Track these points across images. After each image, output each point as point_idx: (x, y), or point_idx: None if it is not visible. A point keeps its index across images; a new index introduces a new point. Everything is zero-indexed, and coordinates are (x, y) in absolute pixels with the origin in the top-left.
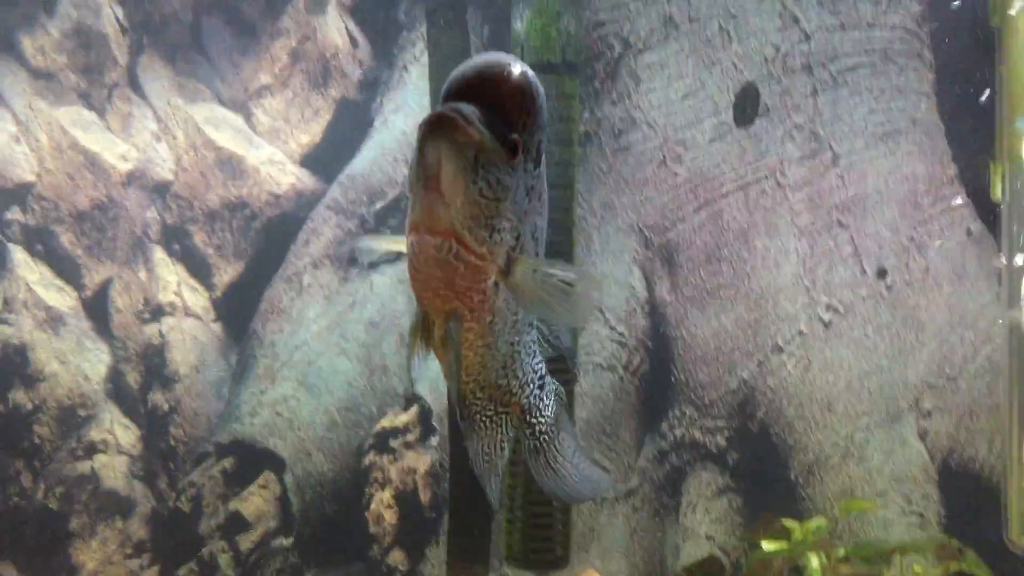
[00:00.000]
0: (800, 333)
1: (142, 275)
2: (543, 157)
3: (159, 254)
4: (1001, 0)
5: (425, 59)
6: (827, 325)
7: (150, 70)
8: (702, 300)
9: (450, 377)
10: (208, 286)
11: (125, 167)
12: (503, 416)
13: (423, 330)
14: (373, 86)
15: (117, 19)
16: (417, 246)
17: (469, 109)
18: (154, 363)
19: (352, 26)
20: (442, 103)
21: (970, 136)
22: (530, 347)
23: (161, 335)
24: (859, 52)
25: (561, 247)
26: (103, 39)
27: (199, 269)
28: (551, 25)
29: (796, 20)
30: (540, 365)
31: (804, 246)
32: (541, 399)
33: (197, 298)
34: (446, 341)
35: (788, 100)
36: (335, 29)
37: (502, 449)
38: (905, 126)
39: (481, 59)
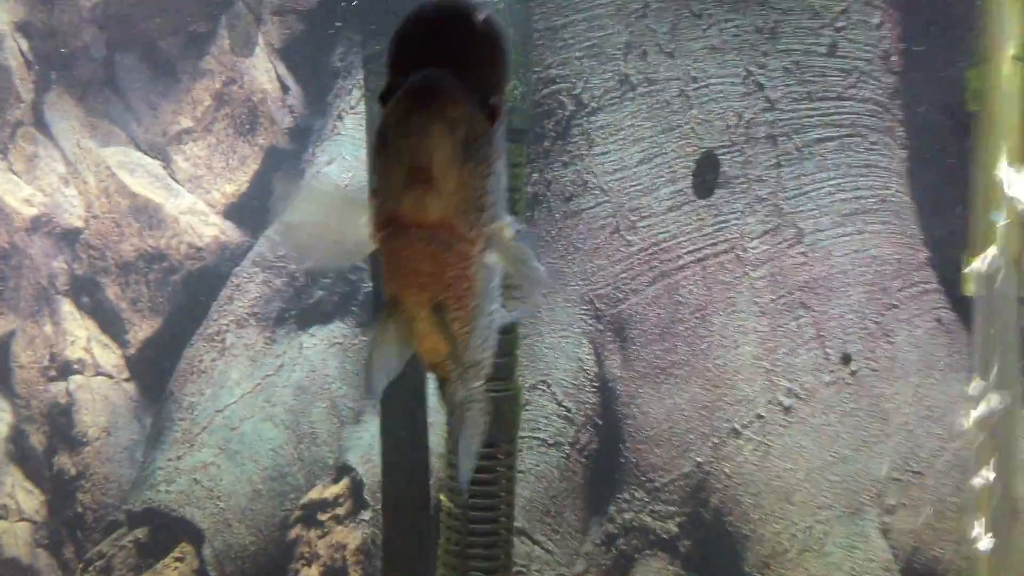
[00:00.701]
0: (759, 417)
1: (48, 329)
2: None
3: (67, 306)
4: (978, 85)
5: (362, 108)
6: (787, 410)
7: (58, 108)
8: (655, 377)
9: (445, 367)
10: (121, 343)
11: (29, 212)
12: (479, 393)
13: (392, 326)
14: (305, 135)
15: (21, 51)
16: (400, 240)
17: (449, 76)
18: (60, 424)
19: (283, 70)
20: (393, 63)
21: (942, 220)
22: (500, 312)
23: (68, 394)
24: (826, 124)
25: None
26: (5, 73)
27: (111, 324)
28: None
29: (760, 87)
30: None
31: (764, 326)
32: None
33: (109, 355)
34: (424, 333)
35: (750, 171)
36: (264, 72)
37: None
38: (874, 205)
39: (433, 5)
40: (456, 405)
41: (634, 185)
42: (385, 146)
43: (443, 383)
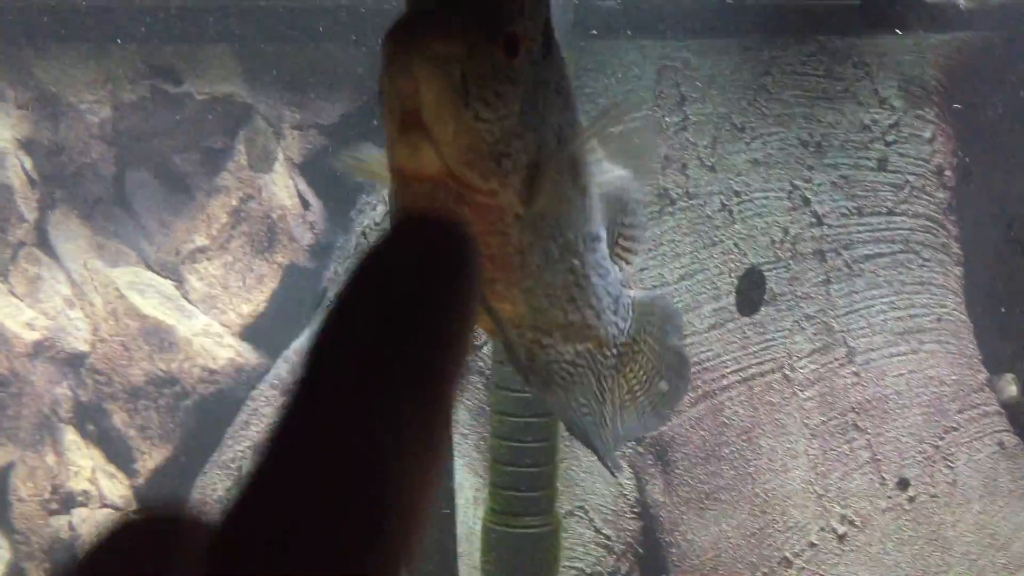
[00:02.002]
0: (811, 545)
1: (50, 459)
2: (554, 39)
3: (71, 435)
4: None
5: (386, 224)
6: (842, 538)
7: (63, 228)
8: (700, 503)
9: (499, 338)
10: (129, 472)
11: (31, 336)
12: (587, 356)
13: None
14: (326, 252)
15: (24, 169)
16: (405, 196)
17: (445, 7)
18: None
19: (303, 185)
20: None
21: (1002, 339)
22: (601, 264)
23: (71, 528)
24: (877, 240)
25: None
26: (7, 192)
27: (118, 453)
28: None
29: (807, 201)
30: (615, 282)
31: (815, 449)
32: (616, 323)
33: (115, 486)
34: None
35: (797, 288)
36: (283, 188)
37: (601, 395)
38: (929, 323)
39: None
40: (534, 373)
41: (676, 302)
42: (380, 92)
43: (508, 347)
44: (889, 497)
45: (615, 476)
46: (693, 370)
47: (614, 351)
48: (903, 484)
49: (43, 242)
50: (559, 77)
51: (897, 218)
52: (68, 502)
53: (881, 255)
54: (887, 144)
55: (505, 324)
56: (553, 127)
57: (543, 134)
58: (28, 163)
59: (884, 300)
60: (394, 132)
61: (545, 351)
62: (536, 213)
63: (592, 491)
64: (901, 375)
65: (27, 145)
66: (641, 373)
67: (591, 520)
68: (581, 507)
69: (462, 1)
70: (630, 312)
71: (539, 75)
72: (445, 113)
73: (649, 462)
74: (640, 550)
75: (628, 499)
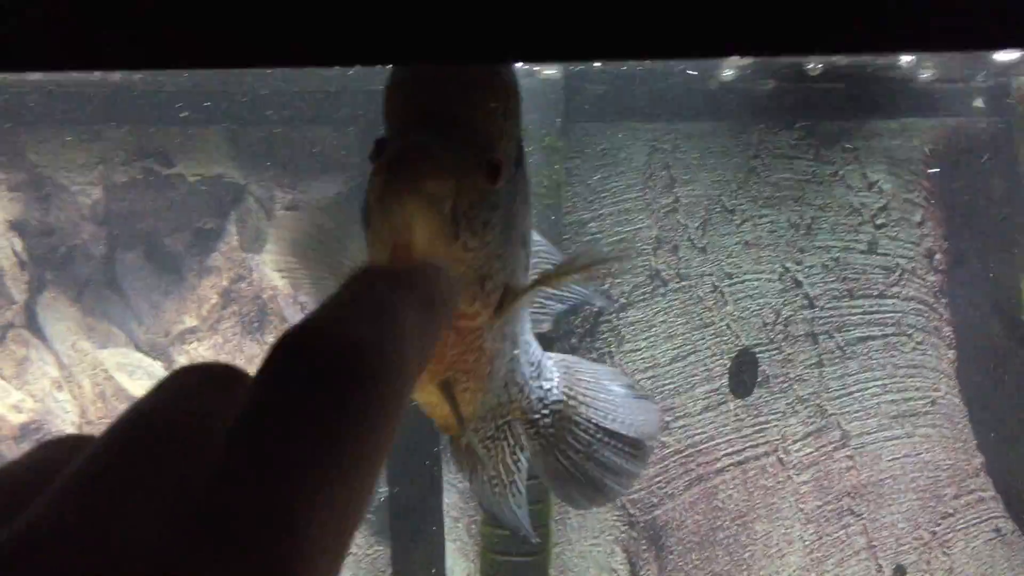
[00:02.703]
0: None
1: None
2: (523, 151)
3: None
4: None
5: None
6: None
7: (52, 309)
8: None
9: (452, 430)
10: None
11: (18, 419)
12: (506, 429)
13: None
14: None
15: (14, 251)
16: None
17: (434, 141)
18: None
19: None
20: (385, 114)
21: (998, 424)
22: (528, 342)
23: None
24: (869, 323)
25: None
26: None
27: None
28: None
29: (799, 284)
30: (536, 353)
31: (811, 534)
32: (541, 386)
33: None
34: (432, 404)
35: (790, 370)
36: (274, 268)
37: (516, 463)
38: (923, 407)
39: None
40: (467, 454)
41: (667, 384)
42: (368, 224)
43: (454, 440)
44: None
45: (534, 540)
46: (686, 453)
47: (545, 412)
48: (900, 571)
49: (32, 323)
50: (525, 184)
51: (889, 301)
52: None
53: (873, 338)
54: (877, 227)
55: (464, 421)
56: (521, 235)
57: (514, 247)
58: (19, 244)
59: (877, 383)
60: (383, 258)
61: (476, 433)
62: (500, 321)
63: None
64: (896, 459)
65: (18, 226)
66: (591, 426)
67: None
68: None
69: (449, 129)
70: (554, 372)
71: (512, 189)
72: (437, 247)
73: (643, 547)
74: None
75: None
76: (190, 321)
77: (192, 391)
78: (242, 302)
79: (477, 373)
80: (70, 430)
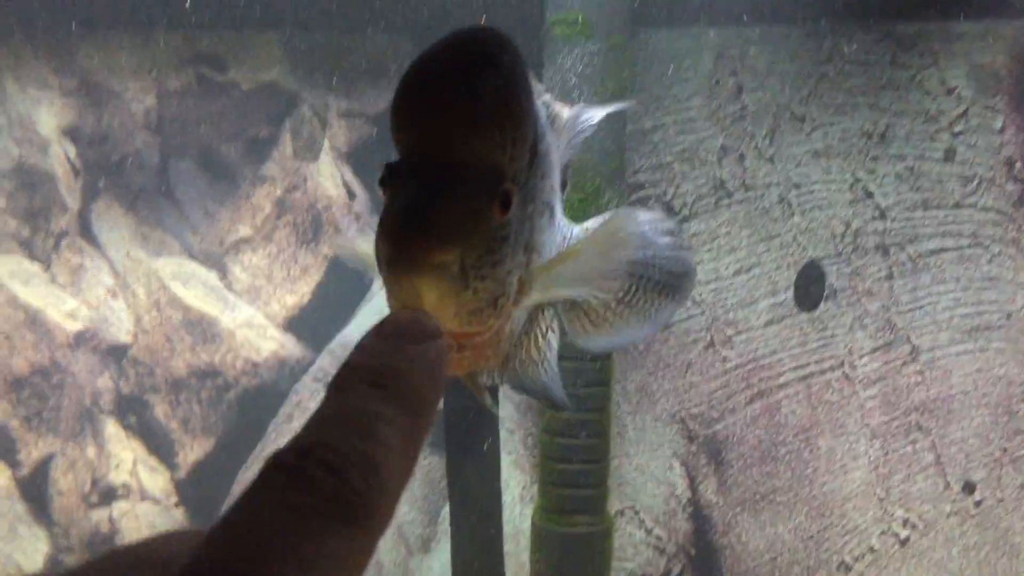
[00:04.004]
0: (871, 550)
1: (90, 452)
2: (539, 145)
3: (111, 427)
4: None
5: None
6: (903, 543)
7: (106, 217)
8: (755, 505)
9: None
10: (170, 465)
11: (73, 327)
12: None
13: None
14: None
15: (68, 158)
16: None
17: (438, 189)
18: None
19: (349, 175)
20: (395, 138)
21: None
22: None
23: (111, 521)
24: (944, 235)
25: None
26: (50, 181)
27: (160, 445)
28: (590, 202)
29: (870, 194)
30: (560, 227)
31: (877, 450)
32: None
33: (156, 479)
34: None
35: (859, 283)
36: (329, 178)
37: (548, 345)
38: (997, 321)
39: (428, 76)
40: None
41: (730, 297)
42: (380, 274)
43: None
44: (954, 501)
45: (568, 409)
46: (748, 368)
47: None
48: (969, 488)
49: (86, 231)
50: (545, 169)
51: (965, 211)
52: (108, 495)
53: (947, 250)
54: (954, 135)
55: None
56: (540, 208)
57: (531, 250)
58: (72, 151)
59: (950, 296)
60: (394, 304)
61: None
62: (520, 306)
63: (643, 490)
64: (967, 374)
65: (71, 133)
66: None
67: (642, 520)
68: (632, 507)
69: (455, 159)
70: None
71: (527, 195)
72: (447, 304)
73: (703, 461)
74: (692, 551)
75: (680, 499)
76: (244, 231)
77: None
78: (296, 211)
79: (496, 355)
80: (125, 339)
